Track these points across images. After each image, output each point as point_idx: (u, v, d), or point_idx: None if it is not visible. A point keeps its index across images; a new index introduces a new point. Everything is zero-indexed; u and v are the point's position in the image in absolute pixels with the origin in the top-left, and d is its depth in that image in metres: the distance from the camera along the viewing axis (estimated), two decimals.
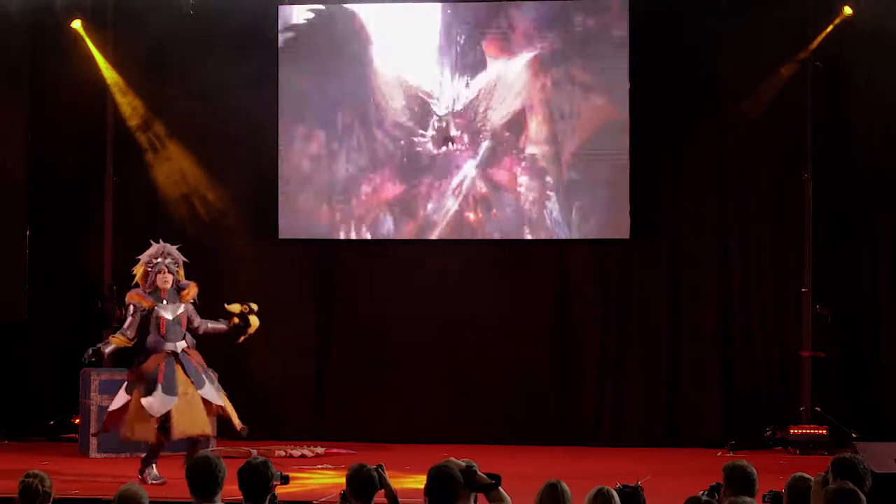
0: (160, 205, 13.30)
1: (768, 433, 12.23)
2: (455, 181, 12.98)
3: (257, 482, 5.30)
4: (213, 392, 10.06)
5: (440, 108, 12.99)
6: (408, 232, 13.04)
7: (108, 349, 10.28)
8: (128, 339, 10.18)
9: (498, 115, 12.94)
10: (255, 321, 10.39)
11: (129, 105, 13.22)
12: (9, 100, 13.11)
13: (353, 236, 13.10)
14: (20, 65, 13.06)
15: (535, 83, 12.88)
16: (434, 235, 13.01)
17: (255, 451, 10.45)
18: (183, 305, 10.23)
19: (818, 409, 12.26)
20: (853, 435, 11.57)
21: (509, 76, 12.91)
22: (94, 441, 11.56)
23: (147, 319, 10.10)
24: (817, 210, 12.54)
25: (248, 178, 13.21)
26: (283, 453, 11.59)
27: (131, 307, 10.15)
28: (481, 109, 12.96)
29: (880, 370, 12.48)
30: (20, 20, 12.54)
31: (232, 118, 12.69)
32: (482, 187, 12.95)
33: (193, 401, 9.93)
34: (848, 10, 12.14)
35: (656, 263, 12.88)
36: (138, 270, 10.26)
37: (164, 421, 9.89)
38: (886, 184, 12.54)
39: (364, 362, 13.05)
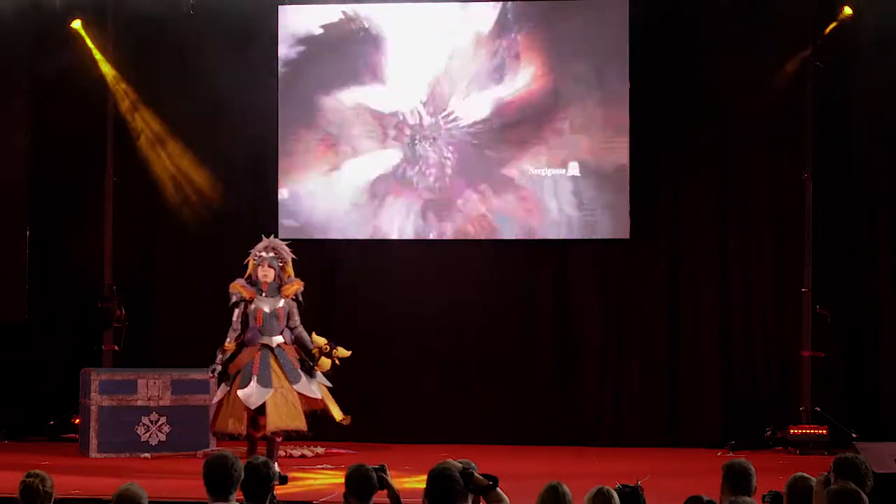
0: (160, 205, 13.31)
1: (768, 433, 12.24)
2: (455, 183, 12.98)
3: (258, 482, 5.30)
4: (308, 387, 10.08)
5: (441, 110, 12.99)
6: (407, 232, 13.04)
7: (224, 357, 10.20)
8: (237, 335, 10.22)
9: (497, 117, 12.94)
10: (324, 363, 10.26)
11: (128, 105, 13.23)
12: (9, 100, 13.11)
13: (353, 236, 13.09)
14: (20, 65, 13.06)
15: (534, 84, 12.87)
16: (434, 236, 13.01)
17: None
18: (283, 301, 10.23)
19: (818, 409, 12.27)
20: (853, 435, 11.57)
21: (509, 77, 12.91)
22: (94, 441, 11.57)
23: (247, 312, 10.21)
24: (817, 210, 12.54)
25: (248, 177, 13.22)
26: (283, 453, 11.59)
27: (232, 296, 10.25)
28: (481, 111, 12.95)
29: (880, 370, 12.48)
30: (20, 20, 12.54)
31: (232, 118, 12.70)
32: (482, 188, 12.95)
33: (289, 395, 10.00)
34: (848, 10, 12.15)
35: (656, 263, 12.89)
36: (249, 263, 10.37)
37: (255, 416, 9.93)
38: (886, 184, 12.54)
39: (364, 362, 13.00)
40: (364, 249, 13.12)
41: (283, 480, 5.80)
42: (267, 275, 10.22)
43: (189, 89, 12.81)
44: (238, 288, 10.26)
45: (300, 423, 10.02)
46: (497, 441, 12.43)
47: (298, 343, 10.31)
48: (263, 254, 10.30)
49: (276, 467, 9.92)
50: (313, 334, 10.33)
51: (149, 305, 13.42)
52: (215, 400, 10.31)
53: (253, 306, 10.18)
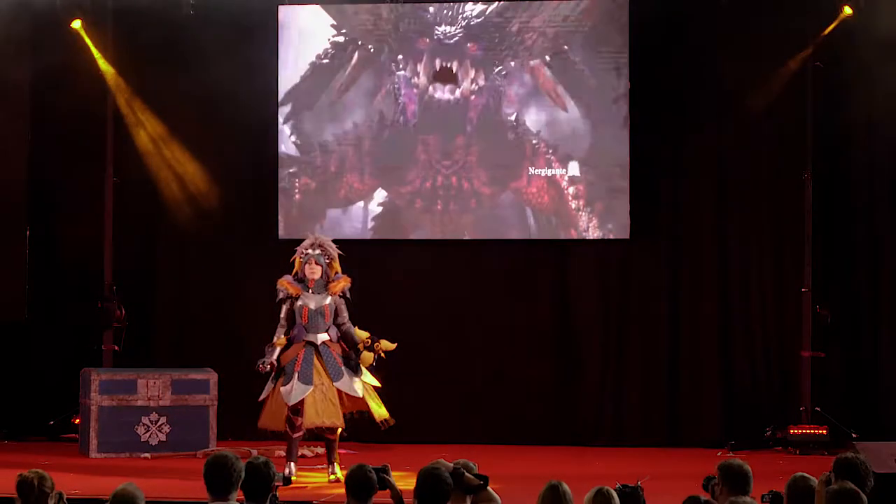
0: (160, 205, 13.31)
1: (768, 433, 12.24)
2: (456, 184, 12.98)
3: (258, 482, 5.30)
4: (349, 384, 10.05)
5: (441, 108, 12.99)
6: (408, 232, 13.04)
7: (275, 354, 10.14)
8: (285, 330, 10.23)
9: (497, 116, 12.94)
10: (366, 358, 10.15)
11: (128, 105, 13.23)
12: (9, 100, 13.11)
13: (351, 236, 13.08)
14: (20, 64, 13.04)
15: (534, 83, 12.88)
16: (434, 235, 13.01)
17: (255, 451, 10.46)
18: (330, 298, 10.20)
19: (818, 409, 12.27)
20: (853, 435, 11.58)
21: (509, 78, 12.92)
22: (94, 441, 11.57)
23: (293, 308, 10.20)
24: (817, 210, 12.54)
25: (248, 177, 13.22)
26: (284, 453, 11.58)
27: (279, 293, 10.27)
28: (481, 109, 12.96)
29: (880, 370, 12.48)
30: (20, 19, 12.53)
31: (232, 118, 12.71)
32: (482, 188, 12.95)
33: (328, 392, 10.00)
34: (848, 10, 12.14)
35: (656, 263, 12.89)
36: (295, 260, 10.37)
37: (295, 413, 9.94)
38: (886, 184, 12.54)
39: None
40: (363, 249, 13.09)
41: (287, 481, 5.81)
42: (314, 272, 10.20)
43: (189, 89, 12.80)
44: (284, 284, 10.27)
45: (337, 420, 10.00)
46: (497, 441, 12.43)
47: (345, 339, 10.26)
48: (310, 251, 10.29)
49: (293, 466, 9.96)
50: (355, 328, 10.27)
51: (149, 305, 13.42)
52: (261, 398, 10.32)
53: (299, 303, 10.16)
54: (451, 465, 5.51)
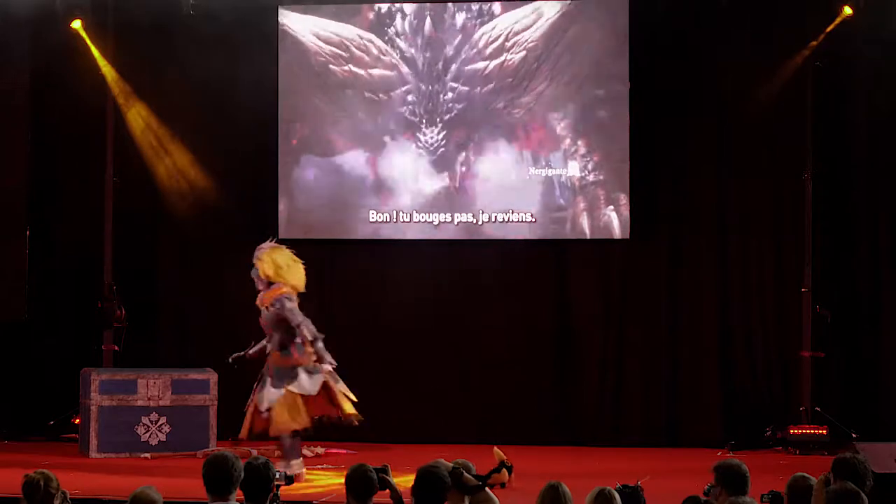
0: (160, 205, 13.31)
1: (768, 433, 12.24)
2: (455, 181, 12.98)
3: (258, 482, 5.31)
4: (263, 395, 10.12)
5: (441, 108, 12.99)
6: (408, 231, 13.04)
7: (249, 350, 10.40)
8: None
9: (497, 117, 12.94)
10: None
11: (128, 105, 13.23)
12: (9, 100, 13.11)
13: (352, 236, 13.09)
14: (20, 65, 13.05)
15: (535, 83, 12.88)
16: (435, 235, 13.01)
17: (255, 451, 10.46)
18: (263, 310, 10.34)
19: (818, 409, 12.27)
20: (853, 435, 11.58)
21: (510, 78, 12.91)
22: (94, 441, 11.58)
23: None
24: (817, 210, 12.54)
25: (248, 177, 13.22)
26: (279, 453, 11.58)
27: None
28: (483, 109, 12.96)
29: (880, 370, 12.48)
30: (20, 20, 12.53)
31: (232, 118, 12.72)
32: (483, 188, 12.95)
33: (288, 397, 10.08)
34: (848, 10, 12.14)
35: (656, 263, 12.89)
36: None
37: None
38: (886, 184, 12.55)
39: (364, 362, 13.04)
40: (363, 249, 13.12)
41: (290, 481, 5.82)
42: (258, 287, 10.36)
43: (189, 89, 12.81)
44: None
45: (302, 423, 10.07)
46: (497, 441, 12.40)
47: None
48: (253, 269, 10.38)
49: (294, 467, 10.01)
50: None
51: (149, 305, 13.42)
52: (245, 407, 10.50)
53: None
54: (451, 465, 5.52)
